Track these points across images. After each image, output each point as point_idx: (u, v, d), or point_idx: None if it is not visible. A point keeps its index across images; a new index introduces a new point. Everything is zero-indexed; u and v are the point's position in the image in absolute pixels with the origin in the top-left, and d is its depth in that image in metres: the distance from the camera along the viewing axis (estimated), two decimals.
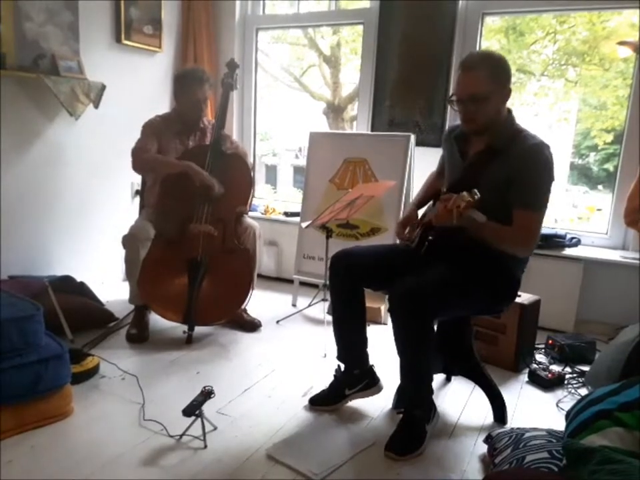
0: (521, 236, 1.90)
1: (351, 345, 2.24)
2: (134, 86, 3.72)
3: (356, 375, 2.23)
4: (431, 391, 2.04)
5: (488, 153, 1.97)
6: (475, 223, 1.86)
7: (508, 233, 1.91)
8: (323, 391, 2.28)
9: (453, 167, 2.15)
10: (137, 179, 3.38)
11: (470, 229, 1.89)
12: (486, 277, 1.95)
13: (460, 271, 1.93)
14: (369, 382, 2.25)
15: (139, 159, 2.84)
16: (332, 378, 2.27)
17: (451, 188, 2.01)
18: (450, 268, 1.95)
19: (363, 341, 2.24)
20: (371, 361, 2.28)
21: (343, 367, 2.25)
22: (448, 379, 2.52)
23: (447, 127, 3.31)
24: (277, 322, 3.22)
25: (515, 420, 2.21)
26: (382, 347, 2.54)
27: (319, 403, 2.22)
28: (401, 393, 2.22)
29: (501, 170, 1.90)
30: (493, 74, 1.90)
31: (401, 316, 1.90)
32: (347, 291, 2.15)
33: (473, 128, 2.00)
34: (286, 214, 4.07)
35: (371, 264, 2.14)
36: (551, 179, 1.89)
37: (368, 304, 3.10)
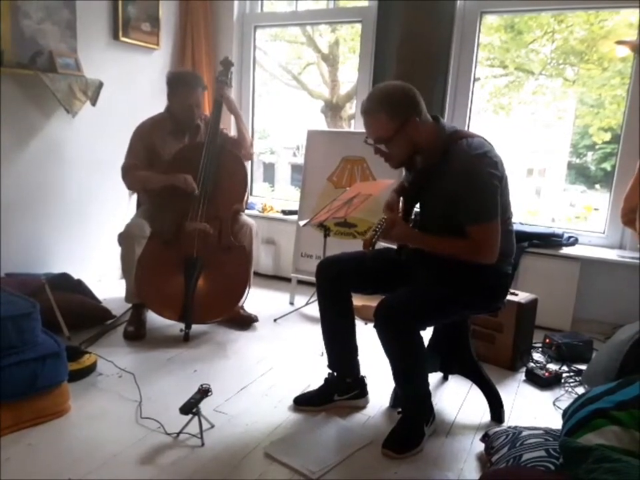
0: (480, 249, 1.84)
1: (342, 353, 2.24)
2: (131, 83, 3.71)
3: (348, 383, 2.23)
4: (428, 394, 2.04)
5: (426, 171, 1.95)
6: (414, 241, 1.93)
7: (466, 247, 1.85)
8: (310, 392, 2.28)
9: (406, 174, 2.16)
10: None
11: (415, 245, 1.95)
12: (469, 281, 1.92)
13: (442, 278, 1.91)
14: (358, 392, 2.26)
15: (130, 180, 2.92)
16: (323, 381, 2.27)
17: (403, 193, 2.08)
18: (431, 277, 1.94)
19: (354, 348, 2.24)
20: (364, 367, 2.28)
21: (336, 373, 2.26)
22: (445, 378, 2.52)
23: None
24: (275, 320, 3.22)
25: (512, 419, 2.21)
26: (379, 345, 2.54)
27: (304, 403, 2.22)
28: (398, 392, 2.22)
29: (442, 185, 1.87)
30: (391, 112, 1.85)
31: (384, 334, 1.89)
32: (335, 298, 2.15)
33: (395, 165, 2.00)
34: (284, 212, 4.07)
35: (357, 270, 2.13)
36: (490, 188, 1.82)
37: (365, 302, 3.13)
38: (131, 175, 2.91)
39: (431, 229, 1.95)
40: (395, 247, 2.03)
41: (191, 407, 1.92)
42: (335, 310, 2.17)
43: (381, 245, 2.05)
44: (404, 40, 3.55)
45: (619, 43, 3.10)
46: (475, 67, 3.56)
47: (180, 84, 2.89)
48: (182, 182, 2.80)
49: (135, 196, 3.28)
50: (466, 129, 3.51)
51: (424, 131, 1.89)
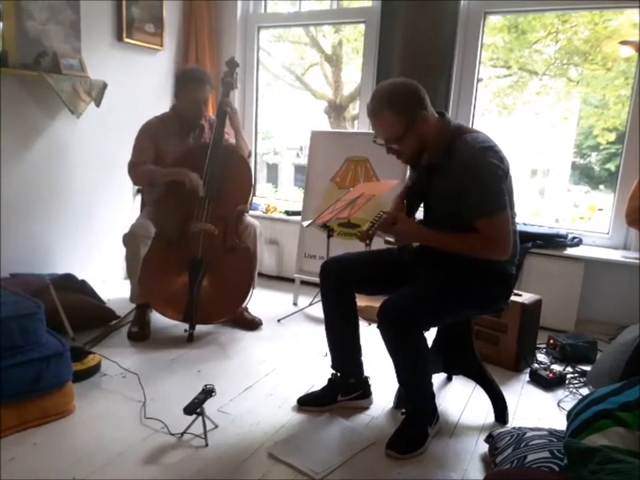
0: (492, 243, 1.83)
1: (346, 353, 2.23)
2: (135, 84, 3.72)
3: (352, 383, 2.23)
4: (432, 394, 2.04)
5: (431, 167, 1.94)
6: (421, 237, 1.94)
7: (477, 243, 1.84)
8: (314, 392, 2.28)
9: (411, 173, 2.16)
10: None
11: (422, 242, 1.96)
12: (473, 281, 1.91)
13: (446, 278, 1.91)
14: (362, 393, 2.25)
15: (135, 175, 2.91)
16: (327, 381, 2.27)
17: (407, 193, 2.09)
18: (435, 277, 1.93)
19: (357, 349, 2.23)
20: (367, 368, 2.28)
21: (339, 373, 2.26)
22: (449, 379, 2.52)
23: None
24: (278, 321, 3.22)
25: (516, 419, 2.21)
26: (382, 345, 2.54)
27: (307, 403, 2.22)
28: (401, 392, 2.22)
29: (446, 181, 1.87)
30: (397, 110, 1.85)
31: (387, 333, 1.89)
32: (339, 298, 2.14)
33: (407, 161, 2.01)
34: (287, 213, 4.07)
35: (360, 270, 2.13)
36: (497, 180, 1.81)
37: (368, 303, 3.13)
38: (137, 169, 2.88)
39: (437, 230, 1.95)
40: (393, 240, 2.02)
41: (194, 407, 1.92)
42: (339, 310, 2.17)
43: (383, 245, 2.05)
44: (407, 40, 3.55)
45: (623, 43, 3.09)
46: (479, 67, 3.56)
47: (190, 79, 2.90)
48: (185, 177, 2.78)
49: (139, 196, 3.28)
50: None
51: (432, 125, 1.90)
